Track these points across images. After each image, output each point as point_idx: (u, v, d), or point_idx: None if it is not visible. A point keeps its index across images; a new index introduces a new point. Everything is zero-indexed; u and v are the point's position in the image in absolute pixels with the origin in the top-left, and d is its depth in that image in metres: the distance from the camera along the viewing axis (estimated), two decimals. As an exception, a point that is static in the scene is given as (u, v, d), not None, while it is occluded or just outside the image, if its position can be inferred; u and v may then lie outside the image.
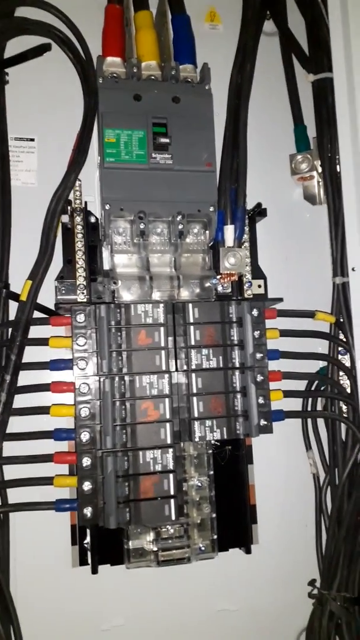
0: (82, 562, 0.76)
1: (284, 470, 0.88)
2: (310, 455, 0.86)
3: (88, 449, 0.67)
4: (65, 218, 0.76)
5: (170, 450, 0.68)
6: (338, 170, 0.82)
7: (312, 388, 0.85)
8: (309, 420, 0.86)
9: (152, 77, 0.80)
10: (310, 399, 0.85)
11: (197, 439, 0.70)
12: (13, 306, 0.74)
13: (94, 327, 0.70)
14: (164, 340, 0.70)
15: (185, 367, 0.72)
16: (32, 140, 0.84)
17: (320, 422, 0.86)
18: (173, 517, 0.68)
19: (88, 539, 0.75)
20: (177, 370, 0.72)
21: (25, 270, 0.73)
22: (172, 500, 0.68)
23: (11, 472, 0.73)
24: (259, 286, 0.84)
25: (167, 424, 0.69)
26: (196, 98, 0.79)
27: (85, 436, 0.67)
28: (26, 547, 0.76)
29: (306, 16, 0.88)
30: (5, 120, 0.79)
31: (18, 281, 0.75)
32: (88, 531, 0.75)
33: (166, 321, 0.71)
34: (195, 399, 0.70)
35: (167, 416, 0.69)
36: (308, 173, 0.89)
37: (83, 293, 0.77)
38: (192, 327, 0.72)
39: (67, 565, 0.76)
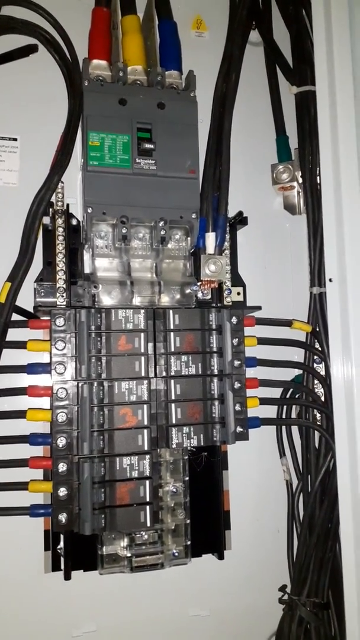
0: (55, 567, 0.75)
1: (257, 477, 0.90)
2: (284, 462, 0.87)
3: (64, 455, 0.67)
4: (46, 220, 0.75)
5: (148, 456, 0.68)
6: (318, 182, 0.84)
7: (287, 396, 0.86)
8: (284, 428, 0.88)
9: (138, 82, 0.80)
10: (285, 407, 0.86)
11: (174, 446, 0.70)
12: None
13: (73, 332, 0.69)
14: (144, 346, 0.70)
15: (164, 374, 0.72)
16: (15, 140, 0.83)
17: (294, 429, 0.87)
18: (148, 524, 0.68)
19: (61, 545, 0.74)
20: (155, 376, 0.72)
21: (4, 271, 0.72)
22: (147, 507, 0.68)
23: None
24: (238, 293, 0.85)
25: (145, 430, 0.69)
26: (181, 105, 0.79)
27: (61, 441, 0.67)
28: (-2, 552, 0.75)
29: (291, 29, 0.90)
30: (-13, 119, 0.78)
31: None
32: (62, 537, 0.74)
33: (147, 327, 0.71)
34: (173, 405, 0.70)
35: (145, 422, 0.69)
36: (289, 183, 0.91)
37: (63, 296, 0.76)
38: (172, 334, 0.72)
39: (40, 570, 0.75)
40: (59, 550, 0.75)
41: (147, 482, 0.68)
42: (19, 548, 0.76)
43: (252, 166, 0.94)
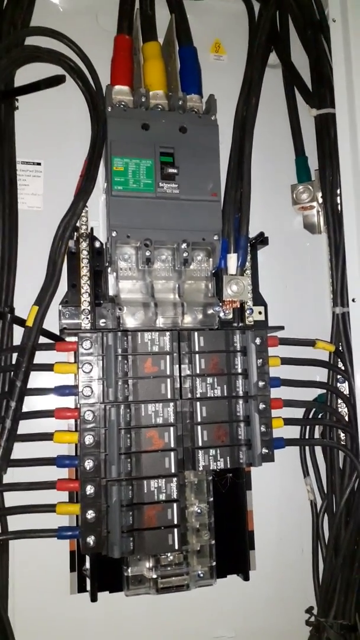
0: (81, 588, 0.76)
1: (280, 496, 0.89)
2: (308, 482, 0.87)
3: (92, 477, 0.67)
4: (70, 242, 0.77)
5: (175, 479, 0.69)
6: (339, 202, 0.84)
7: (310, 415, 0.86)
8: (307, 447, 0.87)
9: (159, 106, 0.81)
10: (308, 427, 0.86)
11: (200, 468, 0.71)
12: (17, 330, 0.75)
13: (100, 354, 0.70)
14: (169, 369, 0.71)
15: (189, 395, 0.72)
16: (39, 164, 0.85)
17: (317, 449, 0.87)
18: (176, 547, 0.68)
19: (87, 566, 0.75)
20: (181, 398, 0.73)
21: (29, 293, 0.74)
22: (175, 530, 0.68)
23: (9, 498, 0.72)
24: (260, 312, 0.86)
25: (172, 453, 0.69)
26: (203, 128, 0.81)
27: (89, 464, 0.67)
28: (25, 573, 0.75)
29: (310, 54, 0.91)
30: (14, 145, 0.79)
31: (21, 304, 0.75)
32: (87, 558, 0.75)
33: (172, 349, 0.72)
34: (199, 427, 0.71)
35: (172, 445, 0.69)
36: (309, 203, 0.91)
37: (87, 318, 0.78)
38: (197, 356, 0.72)
39: (66, 591, 0.75)
40: (84, 572, 0.75)
41: (175, 504, 0.68)
42: (45, 569, 0.77)
43: (271, 186, 0.95)
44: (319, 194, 0.90)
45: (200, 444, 0.71)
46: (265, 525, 0.86)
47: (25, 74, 0.81)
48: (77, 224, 0.76)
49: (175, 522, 0.68)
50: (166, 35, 0.89)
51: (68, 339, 0.77)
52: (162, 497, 0.68)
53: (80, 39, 0.82)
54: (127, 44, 0.84)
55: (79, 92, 0.82)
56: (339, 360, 0.84)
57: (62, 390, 0.72)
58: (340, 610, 0.78)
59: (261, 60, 0.86)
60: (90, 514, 0.67)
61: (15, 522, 0.72)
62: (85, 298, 0.78)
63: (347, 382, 0.83)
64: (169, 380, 0.71)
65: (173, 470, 0.69)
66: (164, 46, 0.88)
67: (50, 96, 0.84)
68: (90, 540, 0.66)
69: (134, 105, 0.80)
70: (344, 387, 0.84)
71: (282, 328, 0.83)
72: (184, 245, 0.77)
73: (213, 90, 0.83)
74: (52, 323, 0.75)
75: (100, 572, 0.73)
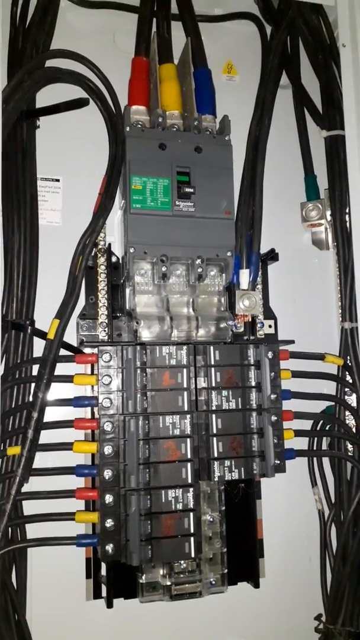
0: (96, 595, 0.78)
1: (288, 505, 0.92)
2: (316, 492, 0.89)
3: (111, 487, 0.69)
4: (88, 257, 0.79)
5: (191, 489, 0.71)
6: (347, 220, 0.87)
7: (318, 427, 0.89)
8: (315, 458, 0.90)
9: (175, 126, 0.84)
10: (315, 438, 0.89)
11: (216, 479, 0.73)
12: (37, 342, 0.77)
13: (119, 367, 0.72)
14: (186, 382, 0.73)
15: (205, 407, 0.75)
16: (58, 180, 0.87)
17: (325, 459, 0.90)
18: (193, 555, 0.70)
19: (103, 573, 0.77)
20: (197, 410, 0.75)
21: (48, 306, 0.76)
22: (192, 538, 0.70)
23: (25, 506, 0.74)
24: (270, 326, 0.89)
25: (189, 464, 0.71)
26: (217, 148, 0.83)
27: (108, 474, 0.69)
28: (42, 580, 0.77)
29: (320, 77, 0.94)
30: (35, 163, 0.82)
31: (41, 316, 0.78)
32: (103, 565, 0.77)
33: (188, 363, 0.74)
34: (215, 439, 0.73)
35: (189, 456, 0.71)
36: (318, 221, 0.94)
37: (105, 330, 0.80)
38: (212, 369, 0.75)
39: (82, 598, 0.77)
40: (100, 579, 0.77)
41: (191, 514, 0.70)
42: (62, 576, 0.79)
43: (280, 204, 0.98)
44: (328, 212, 0.93)
45: (215, 455, 0.73)
46: (274, 534, 0.88)
47: (45, 92, 0.84)
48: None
49: (192, 530, 0.70)
50: (181, 57, 0.91)
51: (85, 350, 0.79)
52: (179, 506, 0.70)
53: (98, 58, 0.84)
54: (144, 65, 0.87)
55: (97, 112, 0.84)
56: (347, 373, 0.86)
57: (81, 402, 0.74)
58: (348, 617, 0.80)
59: (274, 82, 0.89)
60: (109, 523, 0.69)
61: (29, 530, 0.74)
62: (102, 311, 0.81)
63: (354, 395, 0.85)
64: (185, 392, 0.73)
65: (190, 481, 0.71)
66: (179, 67, 0.90)
67: (70, 115, 0.86)
68: (109, 548, 0.68)
69: (150, 125, 0.82)
70: (352, 400, 0.86)
71: (292, 342, 0.85)
72: (198, 261, 0.80)
73: (225, 109, 0.86)
74: (69, 335, 0.78)
75: (115, 579, 0.75)
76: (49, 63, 0.83)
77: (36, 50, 0.82)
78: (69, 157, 0.88)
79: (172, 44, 0.89)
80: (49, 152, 0.86)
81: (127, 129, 0.80)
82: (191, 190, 0.79)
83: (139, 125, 0.82)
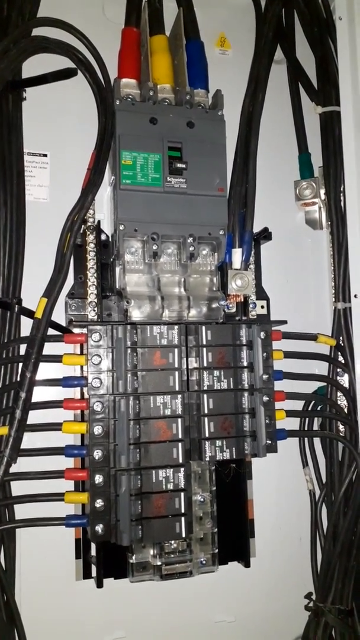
0: (86, 575, 0.77)
1: (279, 486, 0.92)
2: (307, 472, 0.89)
3: (101, 467, 0.68)
4: (77, 235, 0.77)
5: (182, 469, 0.70)
6: (342, 199, 0.86)
7: (309, 407, 0.88)
8: (306, 439, 0.90)
9: (166, 101, 0.81)
10: (307, 418, 0.88)
11: (207, 459, 0.72)
12: (24, 321, 0.75)
13: (109, 347, 0.71)
14: (177, 361, 0.72)
15: (196, 388, 0.74)
16: (45, 155, 0.85)
17: (316, 440, 0.90)
18: (184, 534, 0.70)
19: (92, 553, 0.76)
20: (188, 390, 0.74)
21: (35, 284, 0.74)
22: (182, 518, 0.70)
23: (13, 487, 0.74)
24: (262, 307, 0.88)
25: (180, 444, 0.71)
26: (210, 124, 0.81)
27: (97, 454, 0.68)
28: (31, 560, 0.77)
29: (316, 51, 0.92)
30: (21, 137, 0.79)
31: (28, 295, 0.76)
32: (93, 545, 0.76)
33: (180, 343, 0.73)
34: (206, 419, 0.72)
35: (180, 436, 0.71)
36: (311, 199, 0.93)
37: (94, 310, 0.79)
38: (204, 349, 0.74)
39: (72, 578, 0.77)
40: (90, 559, 0.77)
41: (182, 494, 0.70)
42: (51, 557, 0.78)
43: (274, 182, 0.96)
44: (322, 191, 0.91)
45: (207, 435, 0.72)
46: (264, 514, 0.88)
47: (32, 64, 0.81)
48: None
49: (183, 510, 0.70)
50: (173, 29, 0.89)
51: (75, 330, 0.78)
52: (170, 486, 0.70)
53: (86, 29, 0.81)
54: (135, 36, 0.84)
55: (85, 84, 0.82)
56: (339, 353, 0.86)
57: (70, 382, 0.73)
58: (338, 596, 0.81)
59: (268, 56, 0.87)
60: (99, 503, 0.68)
61: (17, 511, 0.73)
62: (92, 290, 0.79)
63: (346, 375, 0.85)
64: (177, 372, 0.72)
65: (181, 461, 0.71)
66: (171, 39, 0.88)
67: (57, 87, 0.84)
68: (99, 528, 0.68)
69: (141, 99, 0.80)
70: (344, 380, 0.86)
71: (285, 322, 0.84)
72: (190, 240, 0.78)
73: (218, 84, 0.84)
74: (57, 314, 0.76)
75: (105, 559, 0.75)
76: (36, 32, 0.80)
77: (22, 18, 0.79)
78: (57, 131, 0.86)
79: (164, 15, 0.86)
80: (36, 125, 0.83)
81: (117, 102, 0.78)
82: (183, 166, 0.77)
83: (129, 99, 0.79)
